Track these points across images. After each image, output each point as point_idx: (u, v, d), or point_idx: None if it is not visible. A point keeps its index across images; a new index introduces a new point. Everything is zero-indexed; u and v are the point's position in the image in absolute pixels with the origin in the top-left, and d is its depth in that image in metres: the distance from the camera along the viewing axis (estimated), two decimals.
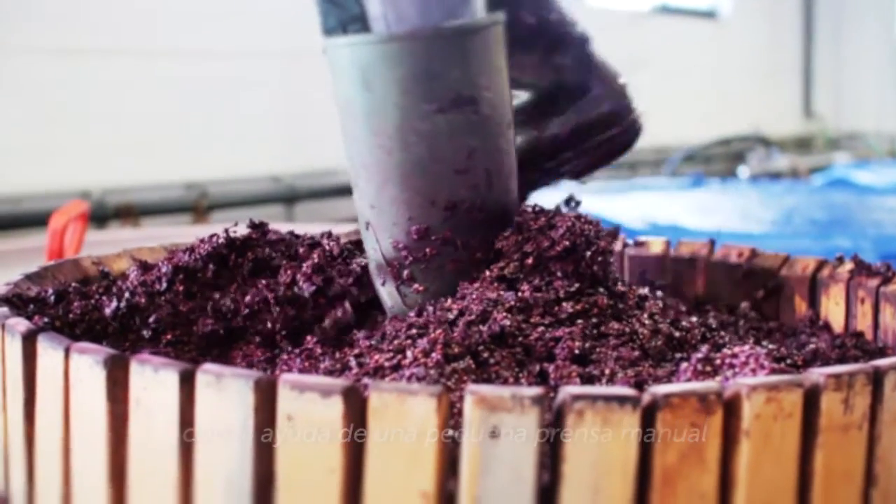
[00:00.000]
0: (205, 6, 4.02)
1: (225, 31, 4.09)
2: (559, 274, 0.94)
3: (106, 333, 0.96)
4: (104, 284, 1.03)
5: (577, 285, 0.93)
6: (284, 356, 0.94)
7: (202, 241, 1.03)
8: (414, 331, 0.89)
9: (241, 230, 1.05)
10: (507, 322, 0.88)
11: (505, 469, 0.64)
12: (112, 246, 1.20)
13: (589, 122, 1.09)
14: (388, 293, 0.98)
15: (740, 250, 1.26)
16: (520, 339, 0.88)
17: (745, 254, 1.26)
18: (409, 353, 0.83)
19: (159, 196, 3.91)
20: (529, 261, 0.94)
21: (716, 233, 2.47)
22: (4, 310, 0.88)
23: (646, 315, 0.94)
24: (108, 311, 0.96)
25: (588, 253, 0.95)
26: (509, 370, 0.84)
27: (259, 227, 1.06)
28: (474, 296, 0.92)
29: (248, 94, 4.19)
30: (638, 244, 1.34)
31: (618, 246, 1.31)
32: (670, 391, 0.66)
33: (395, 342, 0.87)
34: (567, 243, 0.94)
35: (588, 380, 0.84)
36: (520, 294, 0.92)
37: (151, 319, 0.97)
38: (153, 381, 0.70)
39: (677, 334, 0.93)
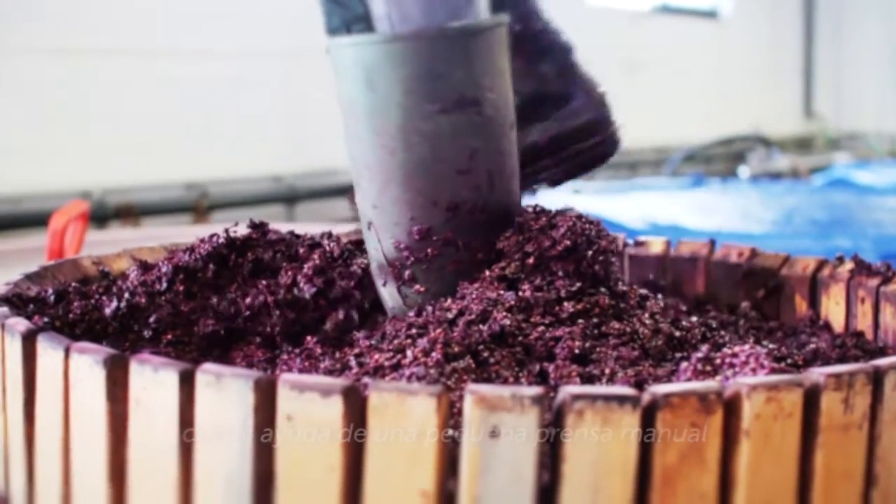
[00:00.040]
0: (205, 6, 4.02)
1: (225, 31, 4.09)
2: (560, 273, 0.94)
3: (106, 333, 0.96)
4: (104, 284, 1.03)
5: (578, 285, 0.93)
6: (284, 356, 0.94)
7: (202, 240, 1.03)
8: (414, 330, 0.89)
9: (242, 230, 1.05)
10: (507, 322, 0.88)
11: (505, 469, 0.64)
12: (112, 246, 1.20)
13: (569, 132, 1.09)
14: (389, 294, 0.98)
15: (740, 250, 1.26)
16: (520, 338, 0.88)
17: (745, 254, 1.25)
18: (409, 353, 0.83)
19: (160, 196, 3.91)
20: (530, 260, 0.94)
21: (716, 233, 2.47)
22: (4, 310, 0.88)
23: (647, 315, 0.94)
24: (108, 311, 0.96)
25: (589, 252, 0.95)
26: (509, 370, 0.84)
27: (259, 228, 1.06)
28: (474, 295, 0.92)
29: (249, 94, 4.19)
30: (638, 244, 1.34)
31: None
32: (670, 391, 0.66)
33: (395, 342, 0.87)
34: (568, 243, 0.94)
35: (588, 379, 0.84)
36: (520, 294, 0.92)
37: (152, 319, 0.97)
38: (153, 381, 0.70)
39: (678, 334, 0.93)
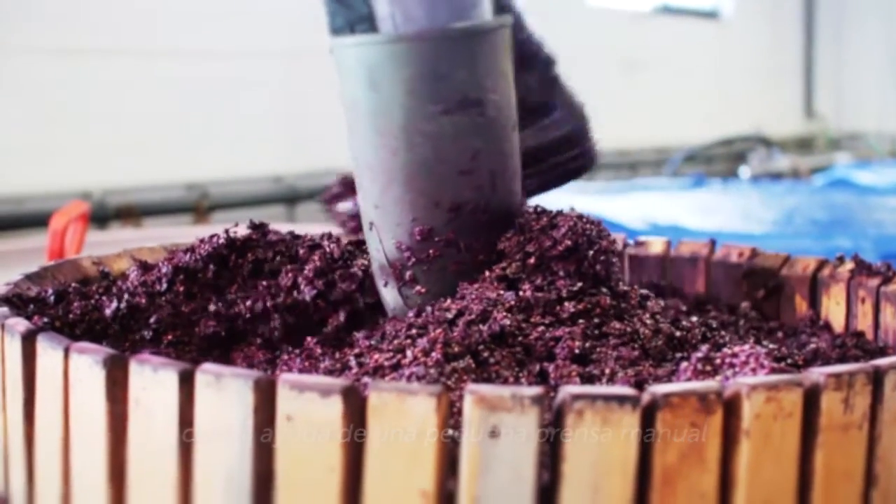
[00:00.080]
0: (205, 6, 4.02)
1: (225, 31, 4.09)
2: (561, 274, 0.94)
3: (106, 334, 0.96)
4: (104, 285, 1.03)
5: (579, 285, 0.93)
6: (284, 356, 0.94)
7: (202, 241, 1.03)
8: (414, 330, 0.89)
9: (242, 231, 1.05)
10: (507, 322, 0.88)
11: (505, 469, 0.64)
12: (113, 247, 1.20)
13: (548, 143, 1.09)
14: (390, 295, 0.98)
15: (741, 250, 1.26)
16: (520, 338, 0.88)
17: (745, 253, 1.25)
18: (408, 353, 0.83)
19: (160, 197, 3.91)
20: (531, 261, 0.94)
21: (716, 233, 2.47)
22: (4, 310, 0.88)
23: (648, 315, 0.94)
24: (108, 311, 0.96)
25: (590, 252, 0.94)
26: (509, 370, 0.84)
27: (259, 228, 1.06)
28: (474, 295, 0.92)
29: (249, 95, 4.19)
30: (638, 244, 1.34)
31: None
32: (670, 391, 0.66)
33: (395, 342, 0.87)
34: (569, 243, 0.94)
35: (588, 379, 0.84)
36: (520, 294, 0.92)
37: (152, 320, 0.97)
38: (152, 381, 0.70)
39: (678, 334, 0.93)
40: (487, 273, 0.94)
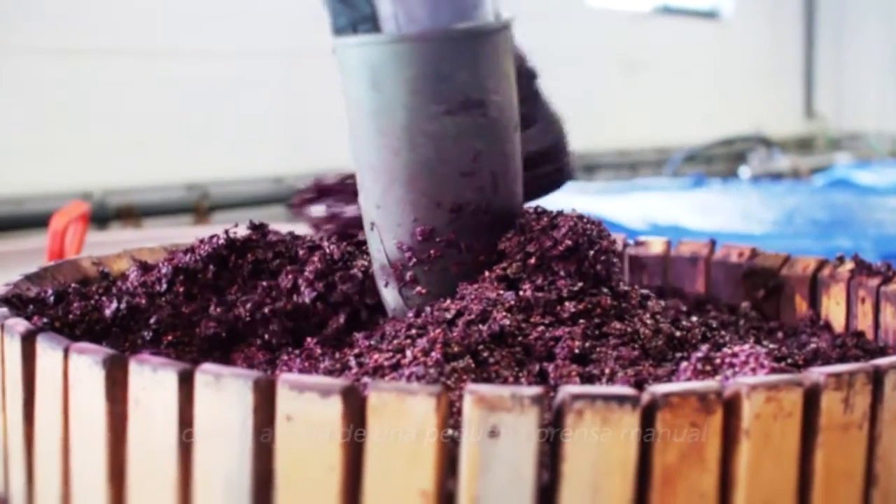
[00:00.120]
0: (205, 6, 4.02)
1: (225, 31, 4.09)
2: (562, 274, 0.94)
3: (106, 334, 0.96)
4: (104, 285, 1.03)
5: (580, 285, 0.93)
6: (284, 357, 0.94)
7: (202, 241, 1.03)
8: (413, 330, 0.89)
9: (242, 231, 1.05)
10: (507, 321, 0.88)
11: (504, 468, 0.64)
12: (113, 247, 1.20)
13: (526, 156, 1.09)
14: (391, 295, 0.98)
15: (741, 250, 1.26)
16: (519, 338, 0.88)
17: (745, 253, 1.25)
18: (408, 353, 0.83)
19: (160, 197, 3.91)
20: (532, 261, 0.94)
21: (717, 233, 2.47)
22: (4, 310, 0.88)
23: (648, 315, 0.94)
24: (107, 311, 0.96)
25: (591, 253, 0.95)
26: (509, 370, 0.84)
27: (259, 229, 1.06)
28: (473, 296, 0.92)
29: (249, 95, 4.19)
30: (638, 244, 1.34)
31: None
32: (670, 390, 0.66)
33: (395, 342, 0.87)
34: (570, 243, 0.94)
35: (588, 379, 0.84)
36: (520, 293, 0.92)
37: (152, 320, 0.97)
38: (152, 382, 0.70)
39: (678, 334, 0.93)
40: (487, 273, 0.94)
